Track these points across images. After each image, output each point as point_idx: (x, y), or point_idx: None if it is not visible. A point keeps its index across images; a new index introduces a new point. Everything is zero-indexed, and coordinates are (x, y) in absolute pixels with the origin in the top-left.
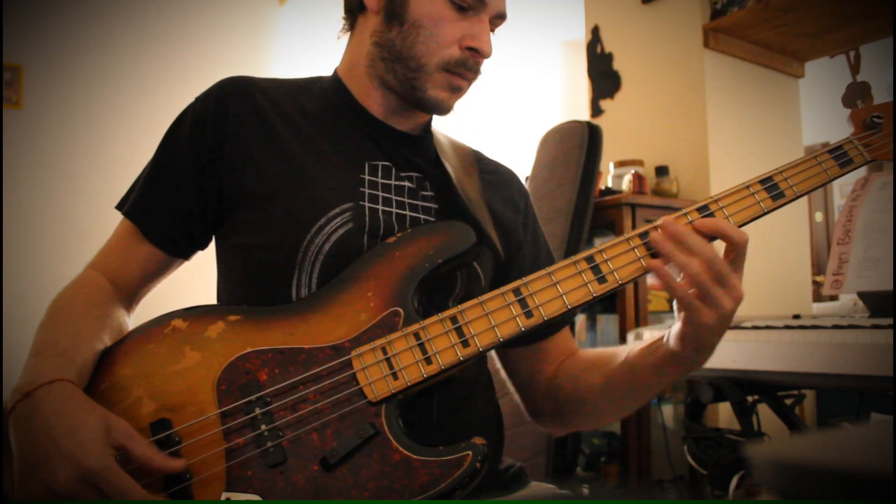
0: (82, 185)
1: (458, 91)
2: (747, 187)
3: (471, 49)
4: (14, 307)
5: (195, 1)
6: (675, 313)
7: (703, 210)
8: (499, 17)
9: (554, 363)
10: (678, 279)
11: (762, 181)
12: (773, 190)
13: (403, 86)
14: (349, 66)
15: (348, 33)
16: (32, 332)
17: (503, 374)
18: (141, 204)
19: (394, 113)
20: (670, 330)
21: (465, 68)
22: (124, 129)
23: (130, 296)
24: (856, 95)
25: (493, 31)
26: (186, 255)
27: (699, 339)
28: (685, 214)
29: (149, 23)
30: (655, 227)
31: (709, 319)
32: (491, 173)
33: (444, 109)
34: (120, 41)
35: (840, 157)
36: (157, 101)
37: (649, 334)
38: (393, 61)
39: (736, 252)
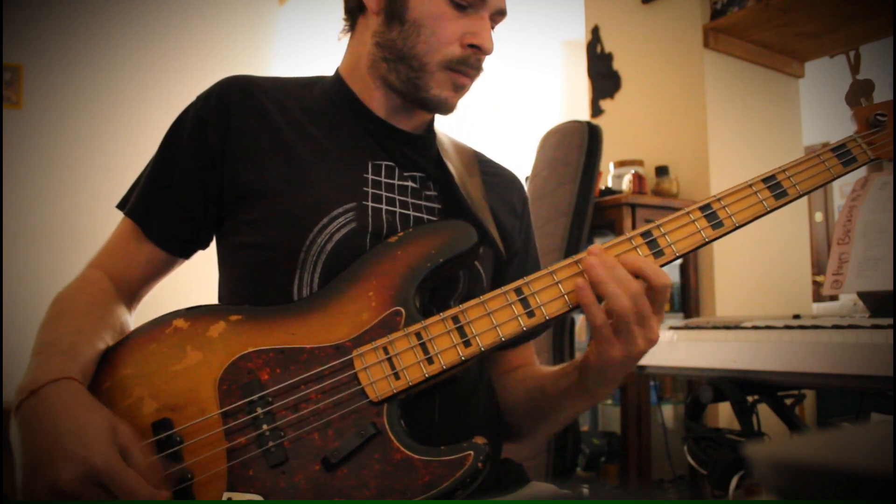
0: (82, 185)
1: (461, 89)
2: (750, 186)
3: (472, 46)
4: (14, 307)
5: (195, 1)
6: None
7: (706, 209)
8: (499, 14)
9: (504, 367)
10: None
11: (765, 180)
12: (777, 188)
13: (406, 86)
14: (351, 66)
15: (349, 34)
16: (33, 332)
17: None
18: (142, 203)
19: (396, 112)
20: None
21: (467, 66)
22: (124, 129)
23: (131, 295)
24: (859, 93)
25: (493, 27)
26: (187, 255)
27: (602, 371)
28: (657, 227)
29: (149, 23)
30: (658, 226)
31: (617, 354)
32: (492, 175)
33: (447, 108)
34: (120, 41)
35: (843, 155)
36: (158, 101)
37: None
38: (395, 61)
39: (656, 294)
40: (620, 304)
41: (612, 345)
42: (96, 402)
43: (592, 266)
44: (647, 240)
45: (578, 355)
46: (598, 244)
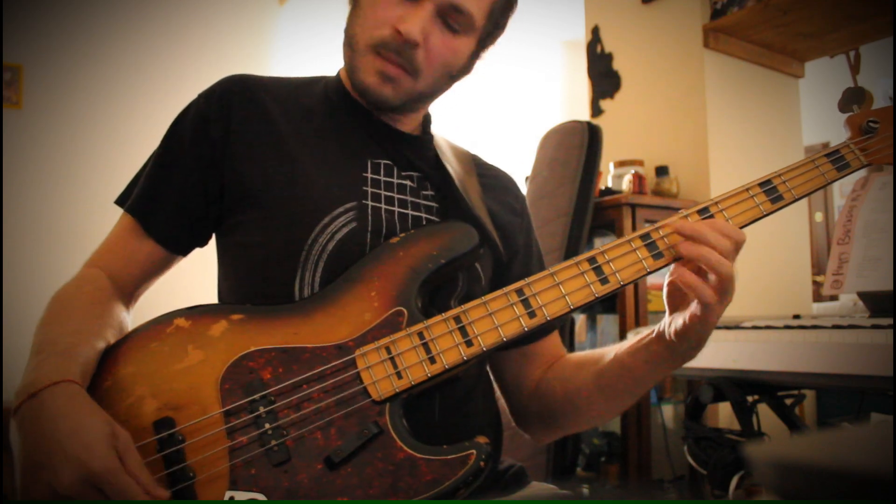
0: (82, 185)
1: (388, 80)
2: (747, 190)
3: (397, 31)
4: (14, 307)
5: (195, 1)
6: (668, 310)
7: (704, 212)
8: (453, 10)
9: (542, 366)
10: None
11: (761, 184)
12: (772, 193)
13: (348, 70)
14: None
15: None
16: (32, 331)
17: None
18: (143, 200)
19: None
20: (662, 325)
21: (390, 50)
22: (124, 129)
23: (129, 293)
24: (852, 101)
25: (451, 24)
26: (186, 252)
27: (701, 335)
28: (686, 217)
29: (149, 23)
30: (657, 228)
31: (718, 314)
32: (489, 177)
33: (374, 96)
34: (120, 41)
35: (837, 160)
36: (157, 101)
37: None
38: (345, 45)
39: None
40: (725, 270)
41: (715, 309)
42: (95, 406)
43: (694, 229)
44: (645, 242)
45: (642, 333)
46: (678, 218)
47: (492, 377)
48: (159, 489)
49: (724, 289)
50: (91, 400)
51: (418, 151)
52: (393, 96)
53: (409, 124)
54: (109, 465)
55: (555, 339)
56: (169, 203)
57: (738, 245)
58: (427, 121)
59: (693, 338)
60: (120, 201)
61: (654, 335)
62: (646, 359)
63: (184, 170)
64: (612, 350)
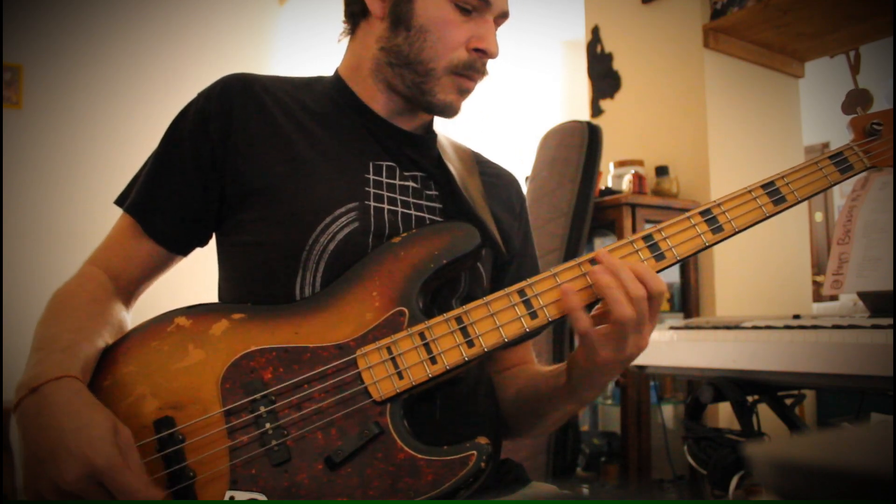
0: (82, 185)
1: (465, 93)
2: (750, 191)
3: (478, 50)
4: (14, 307)
5: (195, 1)
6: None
7: (706, 214)
8: (502, 17)
9: (501, 365)
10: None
11: (764, 186)
12: (776, 194)
13: (412, 90)
14: (352, 68)
15: (348, 36)
16: (32, 331)
17: None
18: (142, 199)
19: (398, 114)
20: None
21: (473, 70)
22: (124, 129)
23: (129, 292)
24: (855, 102)
25: (496, 29)
26: (186, 252)
27: (590, 374)
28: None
29: (149, 23)
30: (659, 230)
31: (607, 357)
32: (491, 176)
33: (452, 112)
34: (120, 41)
35: (840, 162)
36: (157, 101)
37: None
38: (401, 66)
39: (652, 301)
40: (622, 311)
41: (601, 349)
42: (97, 402)
43: (596, 273)
44: (648, 243)
45: None
46: (604, 248)
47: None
48: (154, 489)
49: (619, 331)
50: (93, 396)
51: (421, 151)
52: (462, 104)
53: (414, 124)
54: (113, 461)
55: (524, 348)
56: (168, 203)
57: (652, 292)
58: (431, 119)
59: (579, 377)
60: (119, 201)
61: (563, 366)
62: (554, 386)
63: (183, 169)
64: (543, 372)
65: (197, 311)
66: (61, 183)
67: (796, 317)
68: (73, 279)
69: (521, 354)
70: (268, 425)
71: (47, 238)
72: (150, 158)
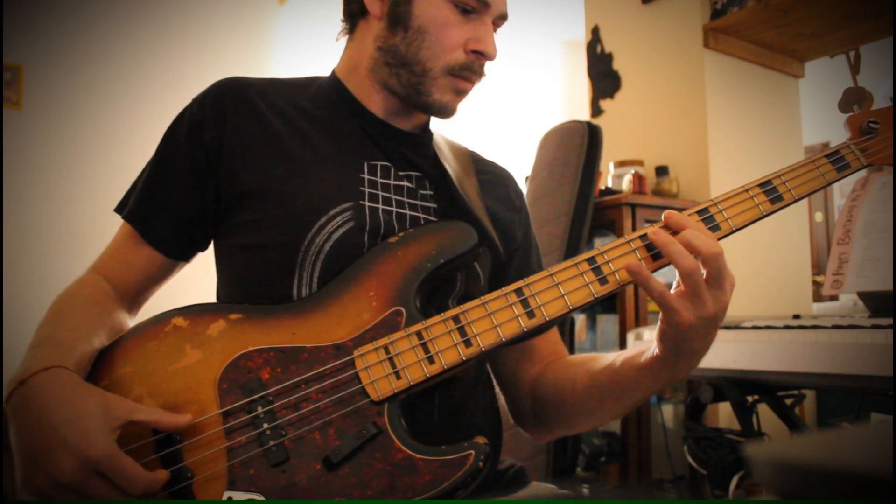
0: (82, 185)
1: (462, 94)
2: (746, 190)
3: (476, 52)
4: (14, 307)
5: (195, 1)
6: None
7: (703, 213)
8: (501, 18)
9: (539, 363)
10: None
11: (761, 184)
12: (772, 193)
13: (408, 90)
14: (349, 68)
15: (347, 36)
16: (33, 331)
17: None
18: (140, 207)
19: (394, 114)
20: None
21: (470, 71)
22: (124, 129)
23: (132, 299)
24: (852, 101)
25: (494, 31)
26: (187, 258)
27: (678, 342)
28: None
29: (149, 23)
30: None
31: (687, 318)
32: (487, 173)
33: (448, 112)
34: (120, 41)
35: (837, 161)
36: (157, 101)
37: (649, 334)
38: (397, 66)
39: (705, 263)
40: (685, 262)
41: (683, 310)
42: (85, 386)
43: (656, 232)
44: (645, 242)
45: (641, 333)
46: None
47: (491, 374)
48: (180, 417)
49: (692, 287)
50: (81, 381)
51: (417, 150)
52: (458, 105)
53: (410, 124)
54: (109, 450)
55: (553, 336)
56: (165, 209)
57: (704, 258)
58: (427, 119)
59: (670, 343)
60: (118, 209)
61: (649, 346)
62: (635, 367)
63: (179, 176)
64: (608, 357)
65: (194, 312)
66: (61, 183)
67: (796, 317)
68: (74, 284)
69: (557, 345)
70: (265, 426)
71: (47, 238)
72: (147, 166)
